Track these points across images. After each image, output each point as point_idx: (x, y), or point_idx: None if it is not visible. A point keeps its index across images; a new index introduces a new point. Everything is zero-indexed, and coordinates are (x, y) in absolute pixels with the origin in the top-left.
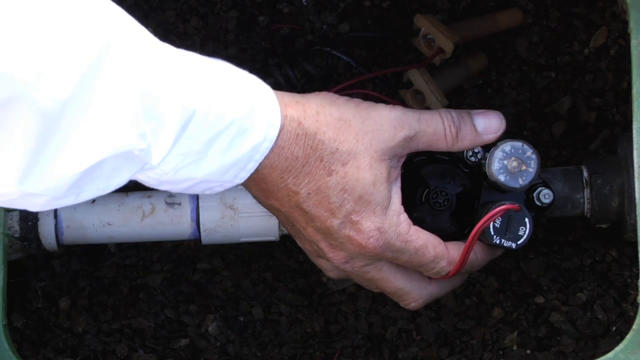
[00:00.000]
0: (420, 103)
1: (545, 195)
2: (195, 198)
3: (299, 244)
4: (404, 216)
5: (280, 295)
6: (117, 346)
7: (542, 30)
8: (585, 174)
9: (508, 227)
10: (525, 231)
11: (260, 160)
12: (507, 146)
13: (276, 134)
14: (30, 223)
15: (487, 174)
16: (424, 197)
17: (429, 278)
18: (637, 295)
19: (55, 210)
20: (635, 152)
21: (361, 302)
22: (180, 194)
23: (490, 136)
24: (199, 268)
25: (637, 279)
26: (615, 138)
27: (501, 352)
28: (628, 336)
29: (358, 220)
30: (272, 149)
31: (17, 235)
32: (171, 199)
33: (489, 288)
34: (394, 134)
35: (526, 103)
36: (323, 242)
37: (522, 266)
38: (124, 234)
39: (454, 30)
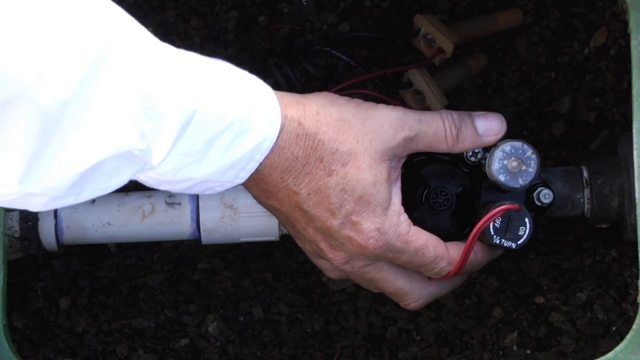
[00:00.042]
0: (420, 103)
1: (545, 195)
2: (195, 198)
3: (299, 244)
4: (404, 217)
5: (280, 295)
6: (117, 346)
7: (542, 30)
8: (585, 174)
9: (508, 227)
10: (525, 231)
11: (261, 161)
12: (507, 146)
13: (276, 134)
14: (30, 223)
15: (487, 174)
16: (424, 197)
17: (429, 278)
18: (637, 295)
19: (55, 210)
20: (635, 152)
21: (361, 302)
22: (180, 194)
23: (491, 138)
24: (199, 268)
25: (637, 279)
26: (615, 138)
27: (501, 352)
28: (628, 336)
29: (358, 221)
30: (272, 149)
31: (17, 235)
32: (171, 199)
33: (489, 288)
34: (395, 135)
35: (526, 103)
36: (323, 243)
37: (522, 266)
38: (124, 234)
39: (454, 30)
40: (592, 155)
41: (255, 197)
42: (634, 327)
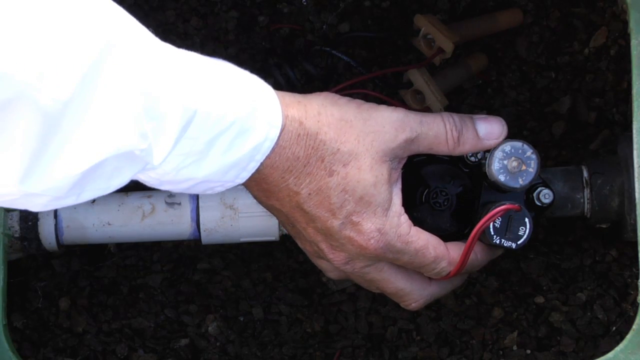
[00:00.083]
0: (420, 103)
1: (545, 195)
2: (195, 198)
3: (300, 244)
4: (404, 217)
5: (280, 295)
6: (117, 346)
7: (542, 30)
8: (585, 174)
9: (508, 227)
10: (525, 231)
11: (262, 160)
12: (507, 146)
13: (277, 134)
14: (30, 223)
15: (487, 174)
16: (424, 197)
17: (430, 278)
18: (637, 295)
19: (55, 211)
20: (635, 152)
21: (361, 302)
22: (180, 194)
23: (492, 141)
24: (199, 268)
25: (637, 279)
26: (615, 138)
27: (501, 352)
28: (628, 336)
29: (359, 221)
30: (273, 149)
31: (17, 235)
32: (171, 199)
33: (489, 288)
34: (395, 136)
35: (526, 103)
36: (323, 243)
37: (522, 266)
38: (124, 234)
39: (454, 30)
40: (592, 155)
41: (255, 197)
42: (634, 327)
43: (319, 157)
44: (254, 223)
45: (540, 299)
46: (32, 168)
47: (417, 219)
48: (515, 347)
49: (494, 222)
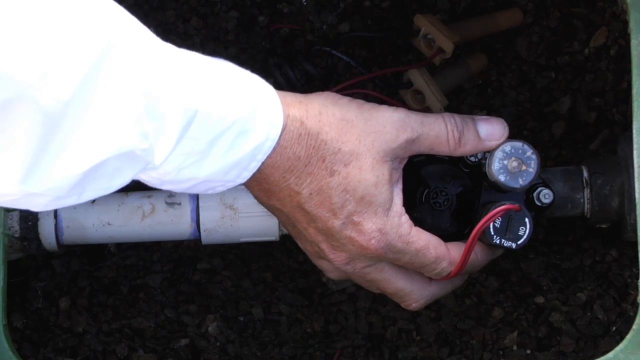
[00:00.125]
0: (420, 103)
1: (545, 195)
2: (195, 198)
3: (300, 245)
4: (405, 217)
5: (280, 295)
6: (117, 346)
7: (542, 30)
8: (585, 174)
9: (508, 227)
10: (525, 231)
11: (263, 160)
12: (507, 146)
13: (278, 134)
14: (30, 223)
15: (487, 174)
16: (424, 197)
17: (430, 279)
18: (637, 295)
19: (55, 210)
20: (635, 152)
21: (361, 302)
22: (180, 194)
23: (493, 142)
24: (199, 268)
25: (637, 279)
26: (615, 138)
27: (501, 352)
28: (628, 336)
29: (360, 221)
30: (274, 149)
31: (17, 235)
32: (171, 199)
33: (489, 288)
34: (397, 136)
35: (526, 103)
36: (324, 243)
37: (522, 266)
38: (124, 234)
39: (454, 30)
40: (592, 155)
41: (256, 197)
42: (634, 327)
43: (320, 156)
44: (254, 223)
45: (540, 299)
46: (33, 168)
47: (417, 219)
48: (515, 347)
49: (494, 222)
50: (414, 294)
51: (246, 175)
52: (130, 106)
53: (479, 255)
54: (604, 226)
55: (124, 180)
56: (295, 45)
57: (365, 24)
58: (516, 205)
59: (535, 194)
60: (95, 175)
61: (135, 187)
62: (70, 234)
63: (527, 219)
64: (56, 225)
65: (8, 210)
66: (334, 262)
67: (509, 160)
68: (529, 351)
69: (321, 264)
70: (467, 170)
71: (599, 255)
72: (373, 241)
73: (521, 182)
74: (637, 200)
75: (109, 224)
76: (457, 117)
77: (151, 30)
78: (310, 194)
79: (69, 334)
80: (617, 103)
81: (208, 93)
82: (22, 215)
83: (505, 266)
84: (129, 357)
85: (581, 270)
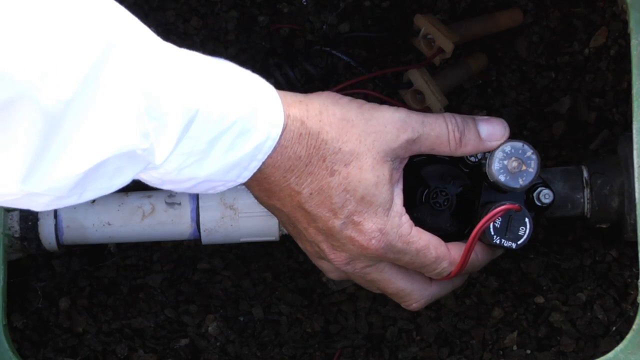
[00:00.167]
0: (420, 103)
1: (545, 195)
2: (195, 198)
3: (300, 245)
4: (405, 217)
5: (280, 295)
6: (117, 346)
7: (542, 30)
8: (585, 174)
9: (508, 227)
10: (525, 231)
11: (264, 160)
12: (507, 146)
13: (279, 133)
14: (30, 223)
15: (487, 174)
16: (424, 197)
17: (430, 279)
18: (637, 295)
19: (55, 210)
20: (635, 152)
21: (361, 302)
22: (180, 194)
23: (494, 143)
24: (199, 268)
25: (637, 279)
26: (615, 138)
27: (501, 352)
28: (628, 336)
29: (360, 221)
30: (275, 149)
31: (17, 235)
32: (171, 199)
33: (489, 288)
34: (397, 136)
35: (526, 103)
36: (324, 243)
37: (522, 266)
38: (124, 234)
39: (454, 30)
40: (592, 155)
41: (256, 197)
42: (634, 327)
43: (321, 156)
44: (254, 223)
45: (540, 299)
46: (34, 168)
47: (418, 219)
48: (515, 347)
49: (494, 222)
50: (415, 294)
51: (247, 175)
52: (131, 106)
53: (479, 255)
54: (604, 226)
55: (124, 180)
56: (295, 45)
57: (365, 24)
58: (516, 205)
59: (535, 194)
60: (96, 175)
61: (135, 187)
62: (70, 234)
63: (527, 219)
64: (56, 225)
65: (8, 210)
66: (334, 262)
67: (509, 160)
68: (529, 351)
69: (321, 264)
70: (467, 170)
71: (599, 255)
72: (373, 241)
73: (521, 182)
74: (637, 200)
75: (109, 224)
76: (458, 117)
77: (151, 30)
78: (311, 193)
79: (69, 334)
80: (617, 103)
81: (208, 93)
82: (22, 215)
83: (505, 266)
84: (129, 357)
85: (581, 270)
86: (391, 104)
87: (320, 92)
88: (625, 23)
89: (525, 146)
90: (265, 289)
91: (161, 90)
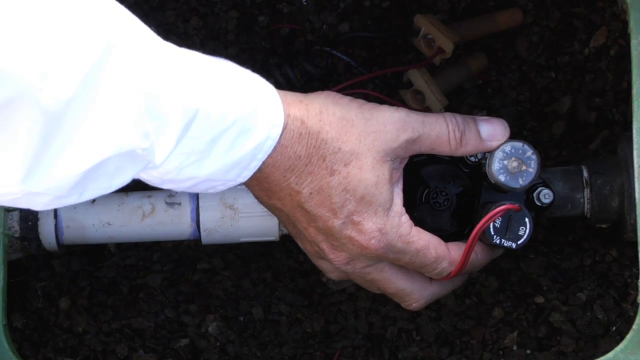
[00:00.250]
0: (420, 103)
1: (545, 195)
2: (195, 198)
3: (300, 245)
4: (405, 217)
5: (280, 295)
6: (117, 346)
7: (542, 30)
8: (585, 174)
9: (508, 227)
10: (525, 231)
11: (264, 159)
12: (507, 146)
13: (279, 133)
14: (30, 223)
15: (487, 174)
16: (424, 197)
17: (430, 279)
18: (637, 295)
19: (55, 210)
20: (635, 152)
21: (361, 302)
22: (180, 194)
23: (494, 143)
24: (199, 268)
25: (637, 279)
26: (615, 138)
27: (501, 352)
28: (628, 336)
29: (360, 221)
30: (275, 148)
31: (17, 235)
32: (171, 199)
33: (489, 288)
34: (397, 136)
35: (526, 103)
36: (324, 243)
37: (522, 266)
38: (124, 234)
39: (454, 30)
40: (592, 155)
41: (256, 197)
42: (634, 327)
43: (321, 156)
44: (254, 223)
45: (540, 299)
46: (34, 167)
47: (418, 219)
48: (515, 347)
49: (494, 222)
50: (415, 294)
51: (247, 175)
52: (131, 106)
53: (479, 255)
54: (604, 226)
55: (124, 180)
56: (295, 45)
57: (365, 24)
58: (516, 205)
59: (535, 194)
60: (96, 175)
61: (136, 186)
62: (70, 234)
63: (527, 219)
64: (56, 225)
65: (8, 210)
66: (334, 262)
67: (509, 160)
68: (529, 351)
69: (321, 264)
70: (467, 170)
71: (599, 255)
72: (373, 241)
73: (521, 182)
74: (637, 200)
75: (109, 224)
76: (459, 117)
77: (151, 30)
78: (311, 193)
79: (69, 334)
80: (617, 103)
81: (209, 92)
82: (22, 215)
83: (505, 266)
84: (129, 357)
85: (581, 270)
86: (391, 104)
87: (320, 92)
88: (625, 23)
89: (525, 146)
90: (265, 289)
91: (161, 90)
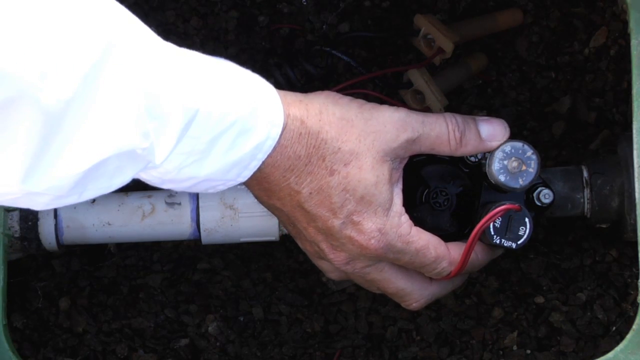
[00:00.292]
0: (420, 103)
1: (545, 195)
2: (195, 198)
3: (300, 245)
4: (405, 217)
5: (280, 295)
6: (117, 346)
7: (542, 30)
8: (585, 174)
9: (508, 227)
10: (525, 231)
11: (264, 159)
12: (507, 146)
13: (279, 133)
14: (30, 223)
15: (487, 174)
16: (424, 197)
17: (430, 278)
18: (637, 295)
19: (55, 210)
20: (635, 152)
21: (361, 302)
22: (180, 194)
23: (494, 143)
24: (199, 268)
25: (637, 279)
26: (615, 138)
27: (501, 352)
28: (628, 336)
29: (359, 221)
30: (275, 148)
31: (17, 235)
32: (171, 199)
33: (489, 288)
34: (397, 136)
35: (526, 103)
36: (324, 243)
37: (522, 266)
38: (124, 234)
39: (454, 30)
40: (592, 155)
41: (256, 197)
42: (634, 327)
43: (320, 156)
44: (254, 223)
45: (540, 299)
46: (34, 167)
47: (418, 219)
48: (515, 347)
49: (494, 222)
50: (415, 293)
51: (247, 174)
52: (131, 105)
53: (479, 255)
54: (604, 226)
55: (124, 179)
56: (295, 45)
57: (365, 24)
58: (516, 205)
59: (535, 194)
60: (96, 174)
61: (135, 186)
62: (70, 234)
63: (527, 219)
64: (56, 225)
65: (8, 210)
66: (333, 262)
67: (509, 160)
68: (529, 351)
69: (321, 264)
70: (467, 170)
71: (599, 255)
72: (373, 241)
73: (521, 182)
74: (637, 200)
75: (109, 224)
76: (459, 117)
77: (151, 30)
78: (310, 193)
79: (69, 334)
80: (617, 103)
81: (209, 92)
82: (22, 215)
83: (505, 266)
84: (129, 357)
85: (581, 270)
86: (391, 104)
87: (320, 92)
88: (625, 23)
89: (525, 146)
90: (265, 289)
91: (161, 90)
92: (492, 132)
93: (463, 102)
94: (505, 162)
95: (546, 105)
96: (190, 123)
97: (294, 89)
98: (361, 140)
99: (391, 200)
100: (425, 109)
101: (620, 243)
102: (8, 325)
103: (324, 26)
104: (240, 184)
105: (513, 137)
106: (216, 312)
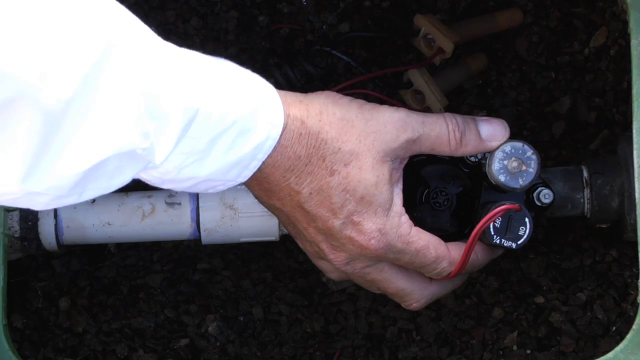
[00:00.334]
0: (420, 103)
1: (545, 195)
2: (195, 198)
3: (300, 245)
4: (405, 217)
5: (280, 295)
6: (117, 346)
7: (542, 30)
8: (585, 174)
9: (508, 227)
10: (525, 231)
11: (264, 159)
12: (507, 146)
13: (279, 133)
14: (30, 223)
15: (487, 174)
16: (424, 197)
17: (430, 278)
18: (637, 295)
19: (55, 210)
20: (635, 152)
21: (361, 302)
22: (180, 194)
23: (494, 143)
24: (199, 268)
25: (637, 279)
26: (615, 138)
27: (501, 352)
28: (628, 336)
29: (359, 221)
30: (275, 148)
31: (17, 235)
32: (171, 199)
33: (489, 288)
34: (397, 136)
35: (526, 103)
36: (324, 243)
37: (522, 266)
38: (124, 234)
39: (454, 30)
40: (592, 155)
41: (256, 197)
42: (634, 327)
43: (321, 156)
44: (254, 223)
45: (540, 299)
46: (33, 167)
47: (418, 219)
48: (515, 347)
49: (494, 222)
50: (415, 294)
51: (247, 175)
52: (131, 106)
53: (479, 255)
54: (604, 226)
55: (124, 179)
56: (295, 45)
57: (365, 24)
58: (516, 205)
59: (535, 194)
60: (96, 174)
61: (135, 186)
62: (70, 234)
63: (527, 219)
64: (56, 225)
65: (8, 210)
66: (333, 262)
67: (509, 160)
68: (529, 351)
69: (321, 265)
70: (467, 170)
71: (599, 255)
72: (373, 241)
73: (521, 182)
74: (637, 200)
75: (109, 224)
76: (459, 117)
77: (151, 30)
78: (310, 193)
79: (69, 334)
80: (617, 103)
81: (209, 92)
82: (22, 215)
83: (505, 266)
84: (129, 357)
85: (581, 270)
86: (391, 104)
87: (320, 92)
88: (625, 23)
89: (525, 146)
90: (265, 289)
91: (161, 90)
92: (492, 132)
93: (463, 102)
94: (505, 162)
95: (546, 105)
96: (190, 123)
97: (294, 89)
98: (361, 140)
99: (391, 200)
100: (425, 109)
101: (620, 243)
102: (8, 325)
103: (324, 26)
104: (240, 184)
105: (513, 137)
106: (216, 312)
